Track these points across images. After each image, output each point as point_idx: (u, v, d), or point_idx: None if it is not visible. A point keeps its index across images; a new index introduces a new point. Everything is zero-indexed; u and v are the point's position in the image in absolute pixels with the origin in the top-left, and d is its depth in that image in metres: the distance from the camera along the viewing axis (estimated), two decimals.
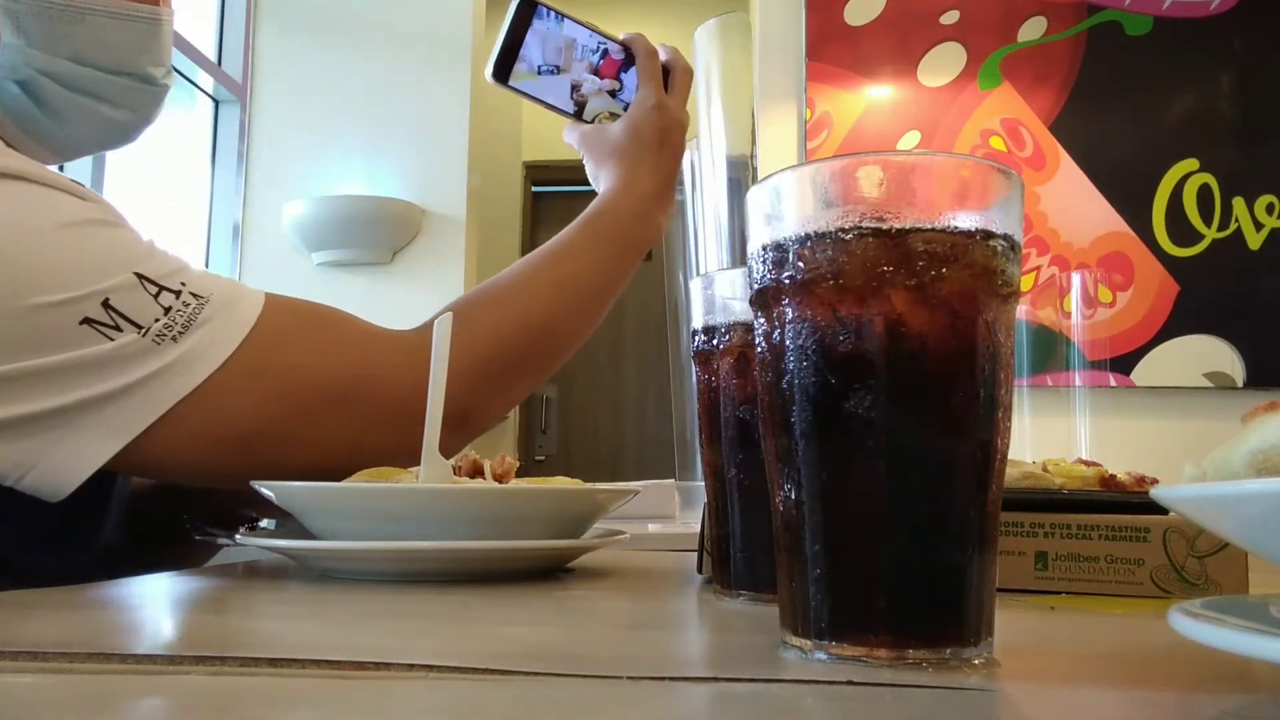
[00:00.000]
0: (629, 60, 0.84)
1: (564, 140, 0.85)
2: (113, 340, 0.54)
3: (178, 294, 0.57)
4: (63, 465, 0.55)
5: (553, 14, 0.80)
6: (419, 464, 0.57)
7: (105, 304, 0.55)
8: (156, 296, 0.56)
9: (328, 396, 0.62)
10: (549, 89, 0.81)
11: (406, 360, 0.65)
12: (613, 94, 0.83)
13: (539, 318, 0.71)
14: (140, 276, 0.56)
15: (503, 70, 0.79)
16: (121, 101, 0.68)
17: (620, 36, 0.84)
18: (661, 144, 0.81)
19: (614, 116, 0.82)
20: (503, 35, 0.78)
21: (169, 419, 0.56)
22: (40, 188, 0.56)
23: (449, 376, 0.58)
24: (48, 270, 0.54)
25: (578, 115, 0.83)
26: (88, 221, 0.57)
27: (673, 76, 0.84)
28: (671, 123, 0.81)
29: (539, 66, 0.80)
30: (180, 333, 0.56)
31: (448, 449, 0.59)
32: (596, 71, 0.83)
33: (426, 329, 0.66)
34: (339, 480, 0.57)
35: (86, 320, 0.54)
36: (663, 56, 0.85)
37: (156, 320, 0.56)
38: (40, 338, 0.53)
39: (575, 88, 0.82)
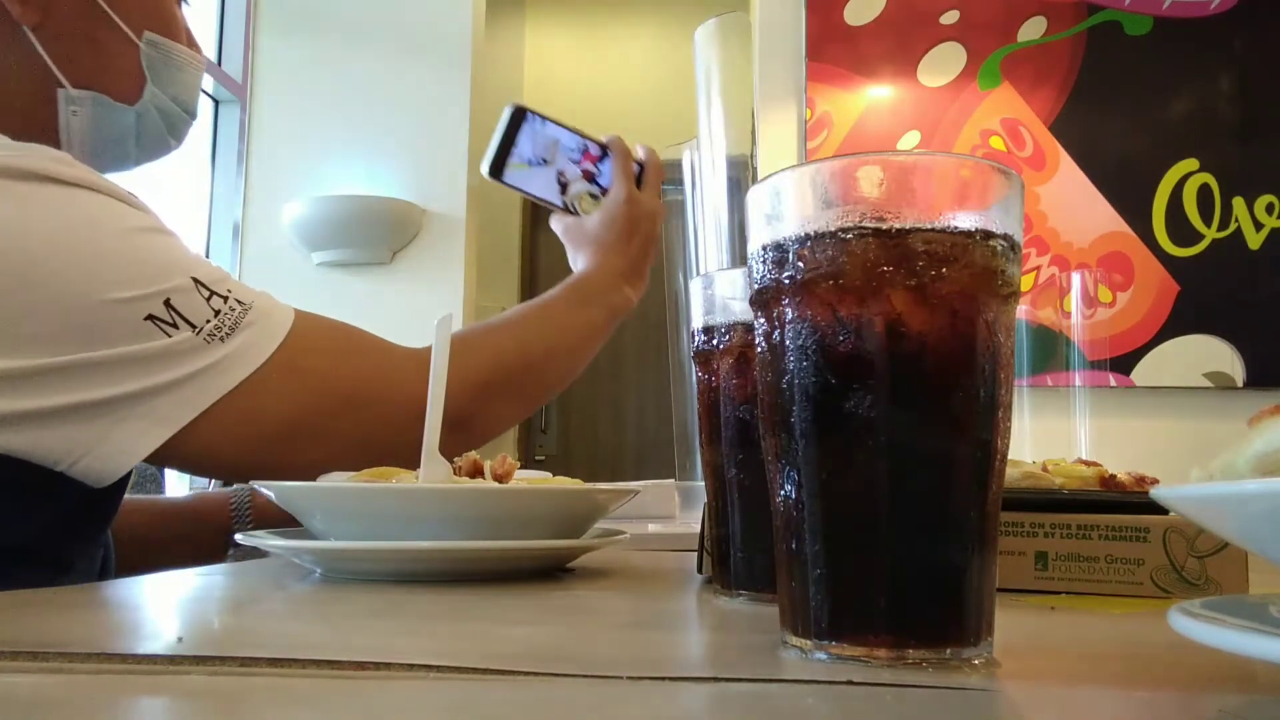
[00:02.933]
0: (606, 151, 0.96)
1: (550, 228, 0.98)
2: (170, 337, 0.60)
3: (225, 299, 0.64)
4: (115, 452, 0.59)
5: (539, 118, 0.93)
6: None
7: (167, 303, 0.61)
8: (209, 300, 0.63)
9: (349, 398, 0.69)
10: (535, 182, 0.94)
11: (415, 371, 0.71)
12: (591, 180, 0.96)
13: (535, 347, 0.82)
14: (196, 281, 0.63)
15: (497, 167, 0.92)
16: (179, 133, 0.81)
17: (601, 138, 0.96)
18: (631, 233, 0.93)
19: (592, 198, 0.95)
20: (497, 137, 0.92)
21: (212, 413, 0.62)
22: (105, 197, 0.63)
23: (456, 385, 0.64)
24: (118, 269, 0.60)
25: (562, 206, 0.95)
26: (148, 229, 0.64)
27: (646, 173, 0.97)
28: (641, 214, 0.94)
29: (528, 160, 0.94)
30: (227, 334, 0.63)
31: (448, 450, 0.62)
32: (577, 163, 0.96)
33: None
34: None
35: (150, 317, 0.60)
36: (640, 154, 0.98)
37: (208, 321, 0.62)
38: (109, 330, 0.59)
39: (559, 177, 0.95)
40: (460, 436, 0.71)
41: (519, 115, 0.92)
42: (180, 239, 0.67)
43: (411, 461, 0.61)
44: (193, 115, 0.82)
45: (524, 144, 0.92)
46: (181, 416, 0.61)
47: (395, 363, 0.74)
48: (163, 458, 0.62)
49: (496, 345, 0.80)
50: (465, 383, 0.71)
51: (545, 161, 0.94)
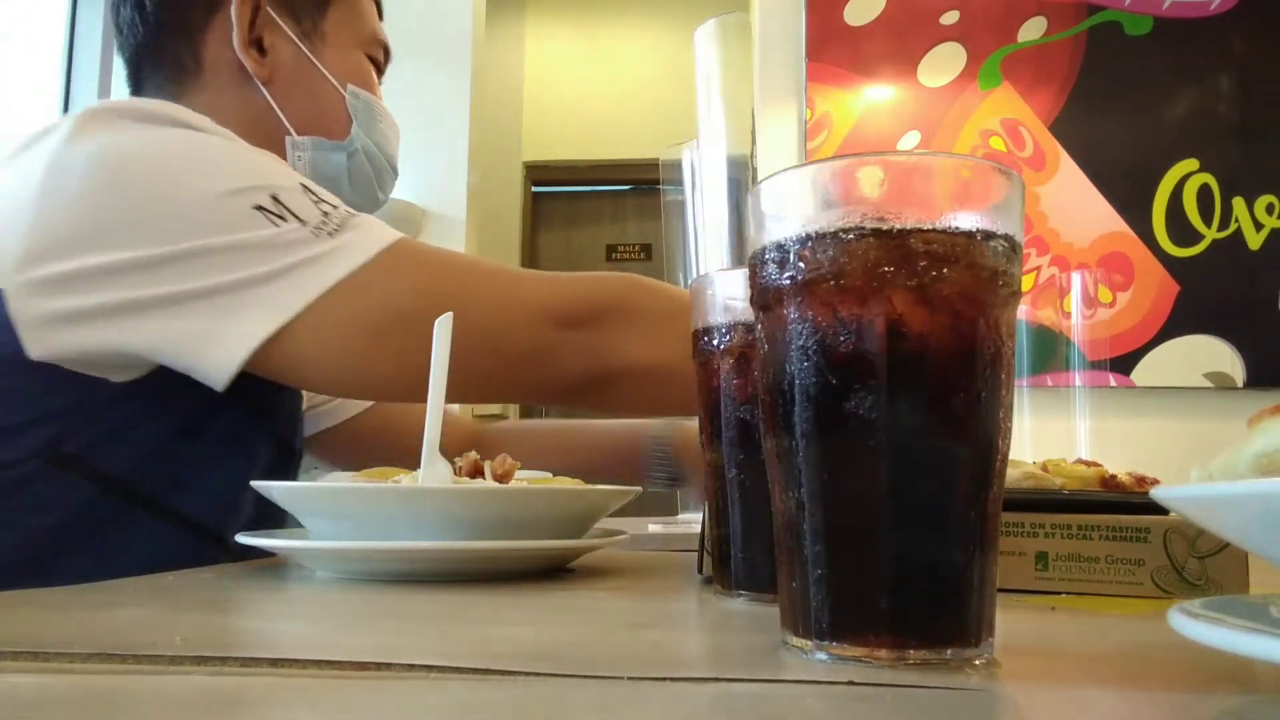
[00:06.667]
0: None
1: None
2: (278, 227, 0.65)
3: (335, 208, 0.69)
4: (229, 341, 0.63)
5: None
6: (539, 367, 0.69)
7: (274, 197, 0.66)
8: (317, 204, 0.68)
9: (451, 297, 0.69)
10: None
11: (536, 283, 0.74)
12: None
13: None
14: (305, 188, 0.69)
15: None
16: (383, 184, 0.92)
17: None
18: None
19: None
20: None
21: (320, 304, 0.64)
22: (221, 138, 0.71)
23: (590, 284, 0.73)
24: (227, 169, 0.67)
25: None
26: (262, 154, 0.71)
27: None
28: None
29: None
30: (334, 231, 0.67)
31: (564, 348, 0.70)
32: None
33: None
34: (466, 386, 0.68)
35: (258, 207, 0.65)
36: None
37: (315, 219, 0.67)
38: (220, 219, 0.64)
39: None
40: (578, 334, 0.72)
41: None
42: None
43: (505, 371, 0.69)
44: (395, 170, 0.94)
45: None
46: (291, 304, 0.64)
47: (508, 275, 0.74)
48: (274, 357, 0.64)
49: (650, 287, 0.77)
50: (603, 284, 0.75)
51: None
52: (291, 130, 0.85)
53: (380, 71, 0.95)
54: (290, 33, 0.86)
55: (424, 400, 0.79)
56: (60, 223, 0.64)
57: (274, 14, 0.85)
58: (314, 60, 0.87)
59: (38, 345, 0.64)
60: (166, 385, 0.67)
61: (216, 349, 0.63)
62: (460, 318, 0.68)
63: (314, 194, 0.68)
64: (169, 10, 0.84)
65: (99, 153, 0.65)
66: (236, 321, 0.63)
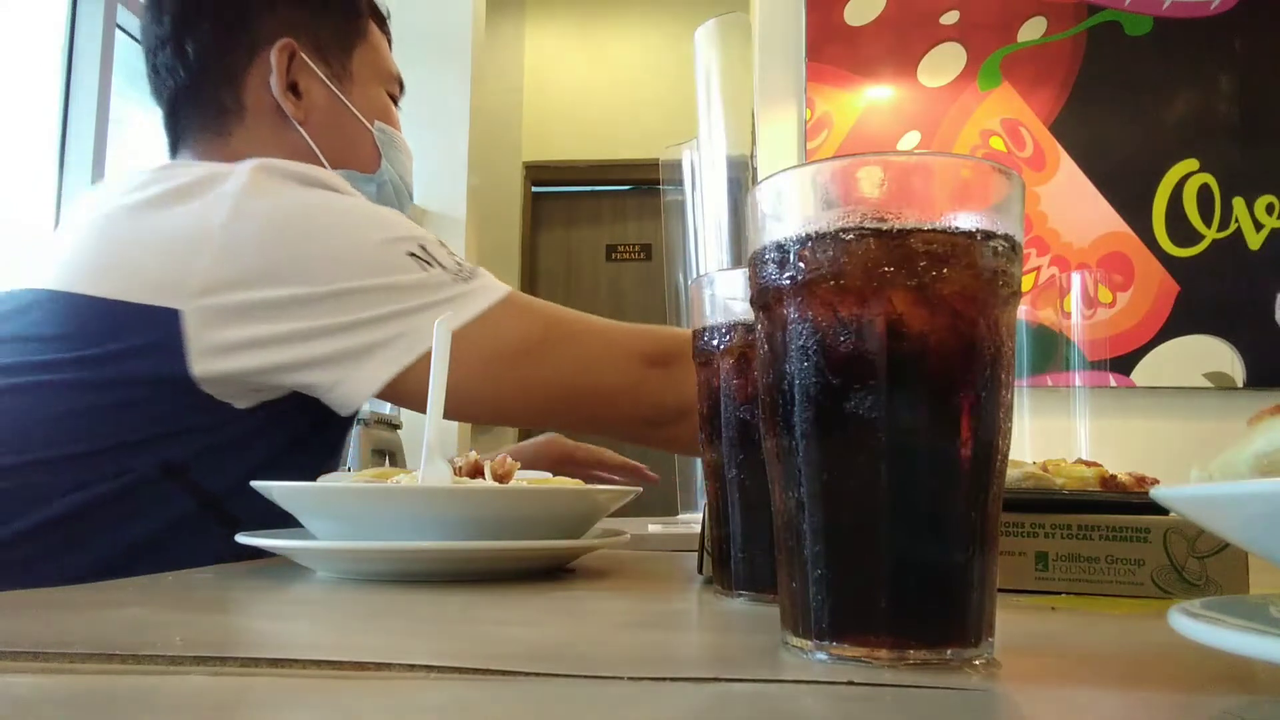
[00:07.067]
0: None
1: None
2: (426, 271, 0.76)
3: (463, 260, 0.80)
4: (375, 363, 0.72)
5: None
6: (632, 403, 0.81)
7: (422, 247, 0.77)
8: (451, 255, 0.79)
9: (569, 330, 0.82)
10: None
11: (629, 329, 0.86)
12: None
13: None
14: (441, 243, 0.80)
15: None
16: (403, 208, 1.00)
17: None
18: None
19: None
20: None
21: (460, 336, 0.71)
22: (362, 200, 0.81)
23: (672, 333, 0.84)
24: (382, 223, 0.77)
25: None
26: (404, 215, 0.83)
27: None
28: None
29: None
30: (469, 277, 0.78)
31: (651, 384, 0.81)
32: None
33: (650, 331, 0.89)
34: (568, 404, 0.80)
35: (411, 254, 0.76)
36: None
37: (453, 266, 0.78)
38: (380, 263, 0.74)
39: None
40: (661, 372, 0.83)
41: None
42: None
43: (599, 402, 0.81)
44: (411, 195, 1.04)
45: None
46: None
47: (601, 320, 0.85)
48: (409, 384, 0.72)
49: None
50: (676, 331, 0.86)
51: None
52: (326, 165, 0.91)
53: (395, 104, 1.03)
54: (322, 75, 0.93)
55: (545, 426, 0.91)
56: (243, 261, 0.72)
57: (307, 58, 0.92)
58: (344, 100, 0.94)
59: (204, 365, 0.70)
60: (273, 416, 0.75)
61: (365, 368, 0.72)
62: (571, 353, 0.82)
63: (446, 247, 0.80)
64: (212, 57, 0.89)
65: (277, 206, 0.74)
66: (385, 347, 0.72)
